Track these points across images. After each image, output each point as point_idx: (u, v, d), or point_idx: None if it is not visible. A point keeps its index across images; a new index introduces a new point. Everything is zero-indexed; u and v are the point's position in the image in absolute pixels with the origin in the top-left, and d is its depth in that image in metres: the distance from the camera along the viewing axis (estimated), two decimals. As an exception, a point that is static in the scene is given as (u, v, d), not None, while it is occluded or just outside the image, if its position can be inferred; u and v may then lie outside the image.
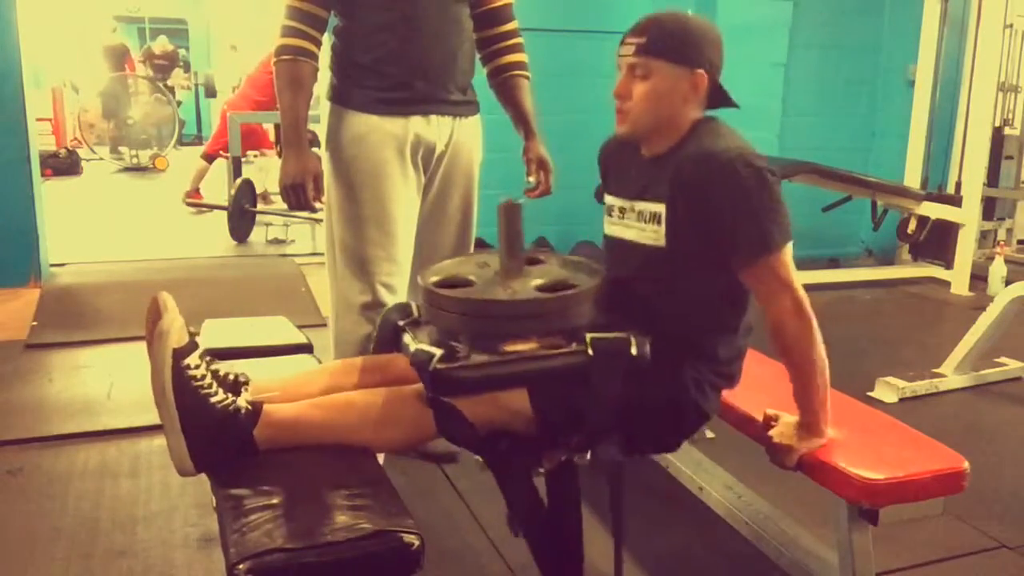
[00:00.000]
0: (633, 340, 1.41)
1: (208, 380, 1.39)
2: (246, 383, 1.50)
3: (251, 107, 6.42)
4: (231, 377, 1.49)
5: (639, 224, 1.55)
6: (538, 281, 1.51)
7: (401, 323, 1.60)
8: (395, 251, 2.09)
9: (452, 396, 1.41)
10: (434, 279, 1.55)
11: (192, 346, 1.39)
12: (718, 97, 1.54)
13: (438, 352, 1.38)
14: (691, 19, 1.53)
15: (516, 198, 1.54)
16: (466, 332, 1.44)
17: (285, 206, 2.10)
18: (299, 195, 2.01)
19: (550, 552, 1.59)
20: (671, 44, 1.48)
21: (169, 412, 1.35)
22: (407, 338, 1.53)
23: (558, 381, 1.42)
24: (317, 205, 2.05)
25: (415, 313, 1.63)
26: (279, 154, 7.79)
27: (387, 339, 1.62)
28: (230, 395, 1.41)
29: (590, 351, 1.39)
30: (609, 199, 1.66)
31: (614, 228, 1.63)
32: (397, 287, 2.11)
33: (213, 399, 1.37)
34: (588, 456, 1.52)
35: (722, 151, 1.44)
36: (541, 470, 1.52)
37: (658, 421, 1.54)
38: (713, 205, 1.44)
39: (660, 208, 1.49)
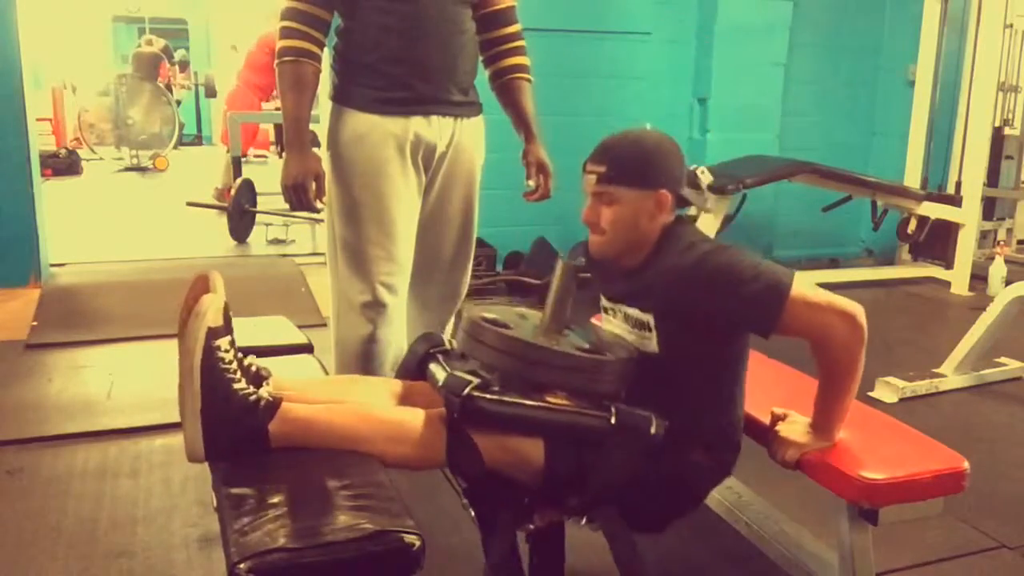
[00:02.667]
0: (654, 420, 1.45)
1: (235, 367, 1.39)
2: (267, 377, 1.50)
3: (253, 92, 6.40)
4: (254, 369, 1.48)
5: (628, 327, 1.58)
6: (579, 343, 1.56)
7: (432, 351, 1.61)
8: (395, 250, 2.09)
9: (476, 425, 1.41)
10: (483, 314, 1.57)
11: (226, 329, 1.39)
12: (681, 204, 1.59)
13: (474, 380, 1.40)
14: (647, 140, 1.57)
15: (579, 260, 1.58)
16: (504, 370, 1.46)
17: (287, 206, 2.10)
18: (301, 195, 2.01)
19: None
20: (630, 171, 1.53)
21: (192, 392, 1.34)
22: (434, 366, 1.54)
23: (577, 441, 1.44)
24: (318, 205, 2.04)
25: (446, 344, 1.65)
26: (279, 154, 7.82)
27: (412, 366, 1.64)
28: (252, 386, 1.41)
29: (613, 420, 1.42)
30: (602, 299, 1.70)
31: (608, 326, 1.67)
32: (397, 287, 2.11)
33: (236, 385, 1.37)
34: (583, 521, 1.55)
35: (692, 257, 1.48)
36: (531, 526, 1.53)
37: (655, 500, 1.56)
38: (706, 305, 1.47)
39: (648, 318, 1.53)
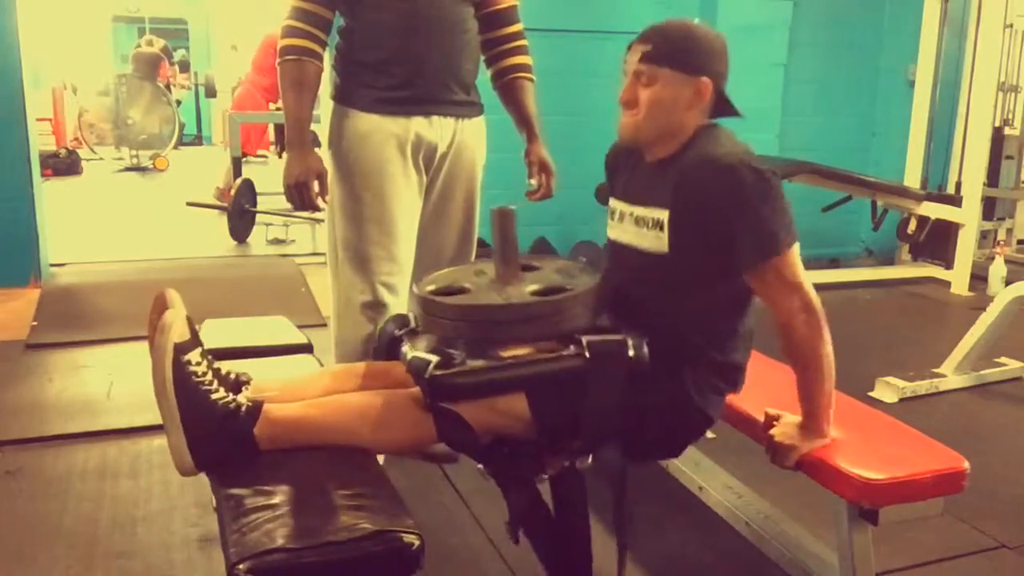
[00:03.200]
0: (630, 342, 1.41)
1: (209, 377, 1.39)
2: (247, 382, 1.51)
3: (260, 93, 6.41)
4: (232, 376, 1.49)
5: (641, 229, 1.55)
6: (533, 286, 1.52)
7: (398, 333, 1.61)
8: (396, 251, 2.09)
9: (449, 402, 1.41)
10: (430, 288, 1.56)
11: (194, 343, 1.39)
12: (722, 106, 1.56)
13: (434, 359, 1.40)
14: (697, 28, 1.54)
15: (509, 204, 1.56)
16: (461, 338, 1.45)
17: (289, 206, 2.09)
18: (303, 195, 2.00)
19: (558, 557, 1.59)
20: (676, 52, 1.50)
21: (169, 408, 1.35)
22: (405, 347, 1.54)
23: (555, 385, 1.43)
24: (321, 204, 2.04)
25: (412, 323, 1.64)
26: (279, 153, 7.83)
27: (385, 349, 1.64)
28: (231, 393, 1.41)
29: (587, 354, 1.40)
30: (613, 202, 1.67)
31: (617, 232, 1.64)
32: (398, 287, 2.11)
33: (214, 396, 1.37)
34: (590, 461, 1.52)
35: (723, 156, 1.45)
36: (545, 476, 1.52)
37: (660, 425, 1.53)
38: (716, 211, 1.44)
39: (663, 214, 1.50)
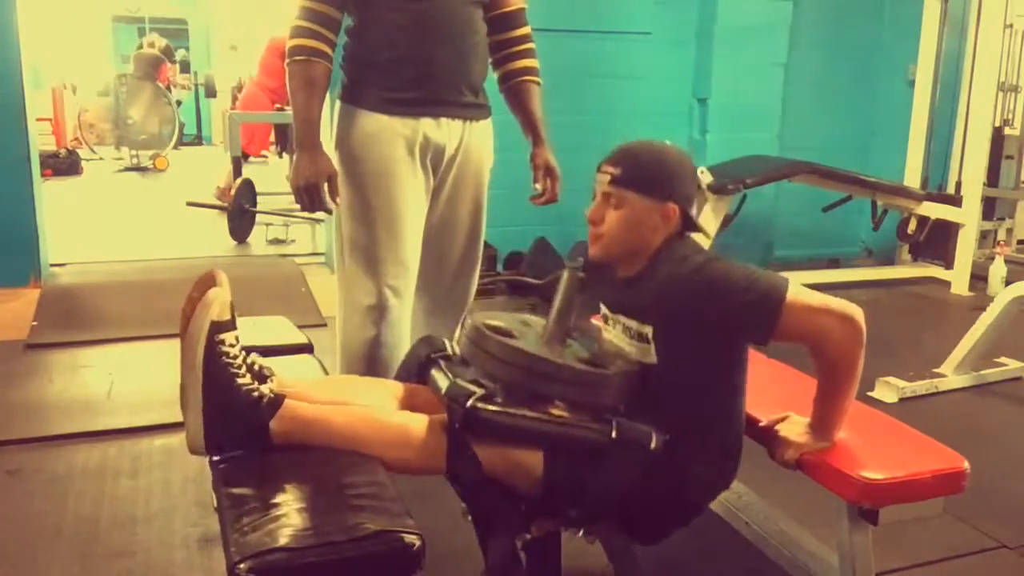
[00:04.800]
0: (654, 435, 1.45)
1: (239, 361, 1.39)
2: (271, 376, 1.50)
3: (267, 94, 6.42)
4: (257, 367, 1.49)
5: (627, 338, 1.57)
6: (581, 353, 1.56)
7: (433, 356, 1.61)
8: (403, 253, 2.08)
9: (477, 435, 1.41)
10: (487, 322, 1.56)
11: (231, 324, 1.39)
12: (688, 225, 1.58)
13: (478, 391, 1.41)
14: (667, 152, 1.57)
15: (582, 269, 1.58)
16: (506, 380, 1.46)
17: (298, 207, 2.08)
18: (313, 196, 1.98)
19: None
20: (644, 178, 1.53)
21: (195, 383, 1.35)
22: (436, 372, 1.54)
23: (576, 453, 1.44)
24: (331, 206, 2.01)
25: (447, 348, 1.64)
26: (279, 153, 7.83)
27: (412, 369, 1.64)
28: (256, 382, 1.41)
29: (614, 434, 1.42)
30: (602, 307, 1.70)
31: (607, 335, 1.66)
32: (403, 290, 2.10)
33: (239, 380, 1.38)
34: (580, 533, 1.54)
35: (689, 267, 1.49)
36: (527, 536, 1.52)
37: (655, 512, 1.56)
38: (704, 317, 1.46)
39: (647, 329, 1.52)
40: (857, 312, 1.42)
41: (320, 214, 2.14)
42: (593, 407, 1.47)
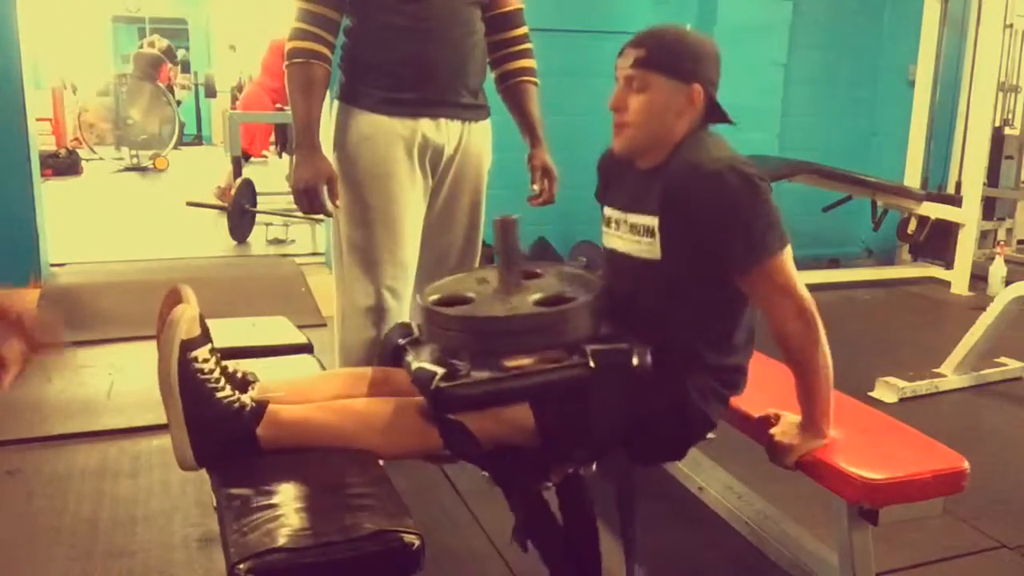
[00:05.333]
0: (634, 351, 1.42)
1: (216, 375, 1.39)
2: (254, 382, 1.50)
3: (269, 95, 6.43)
4: (239, 375, 1.49)
5: (634, 236, 1.55)
6: (537, 295, 1.52)
7: (402, 342, 1.61)
8: (401, 254, 2.08)
9: (454, 413, 1.41)
10: (433, 297, 1.56)
11: (203, 340, 1.39)
12: (714, 112, 1.54)
13: (440, 371, 1.40)
14: (690, 34, 1.53)
15: (511, 213, 1.56)
16: (465, 350, 1.45)
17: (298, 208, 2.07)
18: (312, 198, 1.97)
19: (566, 563, 1.59)
20: (669, 58, 1.49)
21: (174, 404, 1.35)
22: (409, 357, 1.54)
23: (560, 395, 1.43)
24: (330, 208, 2.00)
25: (415, 332, 1.64)
26: (279, 154, 7.82)
27: (389, 358, 1.64)
28: (237, 392, 1.41)
29: (591, 364, 1.40)
30: (606, 210, 1.67)
31: (611, 240, 1.64)
32: (401, 291, 2.10)
33: (219, 394, 1.38)
34: (594, 467, 1.53)
35: (709, 162, 1.44)
36: (550, 484, 1.52)
37: (663, 430, 1.53)
38: (703, 218, 1.44)
39: (653, 221, 1.49)
40: (813, 311, 1.43)
41: (320, 215, 2.13)
42: (564, 344, 1.44)
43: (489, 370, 1.42)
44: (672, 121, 1.50)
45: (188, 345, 1.36)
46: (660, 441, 1.56)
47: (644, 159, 1.56)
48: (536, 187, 2.22)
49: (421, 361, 1.47)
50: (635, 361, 1.41)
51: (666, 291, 1.51)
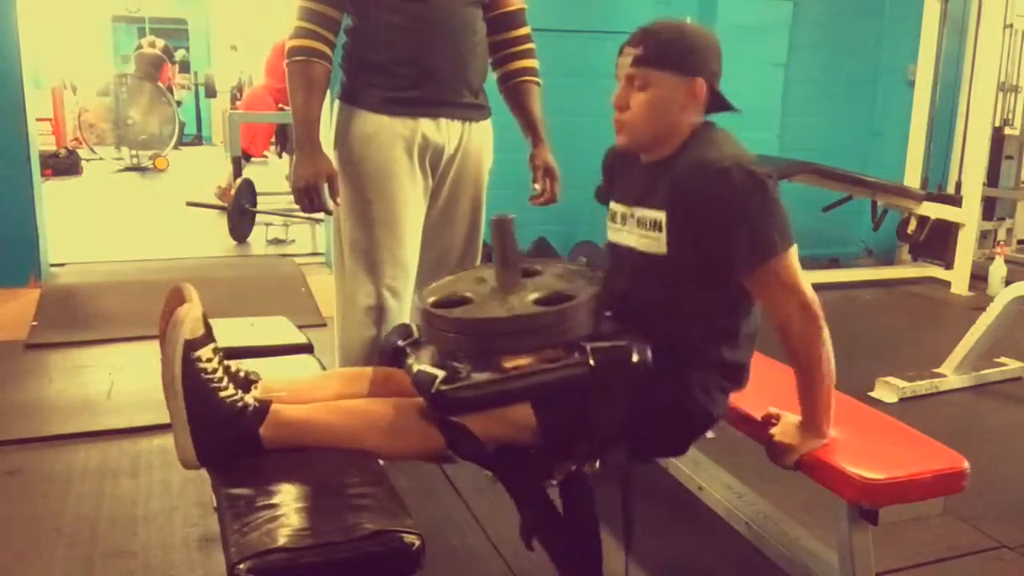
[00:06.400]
0: (634, 348, 1.42)
1: (219, 375, 1.39)
2: (256, 382, 1.51)
3: (272, 95, 6.44)
4: (242, 374, 1.49)
5: (640, 231, 1.55)
6: (535, 294, 1.52)
7: (401, 343, 1.61)
8: (402, 254, 2.08)
9: (455, 415, 1.41)
10: (431, 299, 1.55)
11: (206, 339, 1.39)
12: (717, 103, 1.54)
13: (440, 374, 1.40)
14: (688, 27, 1.53)
15: (507, 212, 1.56)
16: (464, 351, 1.45)
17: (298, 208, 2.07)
18: (312, 197, 1.97)
19: (570, 559, 1.59)
20: (668, 54, 1.49)
21: (177, 403, 1.35)
22: (410, 359, 1.54)
23: (560, 394, 1.43)
24: (331, 207, 2.00)
25: (415, 334, 1.64)
26: (279, 154, 7.83)
27: (389, 360, 1.64)
28: (240, 391, 1.41)
29: (591, 361, 1.40)
30: (612, 205, 1.67)
31: (617, 234, 1.63)
32: (402, 291, 2.09)
33: (222, 393, 1.38)
34: (597, 464, 1.53)
35: (717, 159, 1.44)
36: (553, 482, 1.53)
37: (664, 426, 1.53)
38: (710, 214, 1.44)
39: (660, 215, 1.49)
40: (817, 310, 1.43)
41: (320, 214, 2.13)
42: (563, 343, 1.44)
43: (489, 371, 1.43)
44: (676, 116, 1.51)
45: (192, 345, 1.36)
46: (661, 437, 1.56)
47: (650, 153, 1.56)
48: (538, 186, 2.22)
49: (421, 363, 1.47)
50: (635, 358, 1.41)
51: (670, 286, 1.51)
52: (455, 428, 1.41)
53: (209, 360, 1.38)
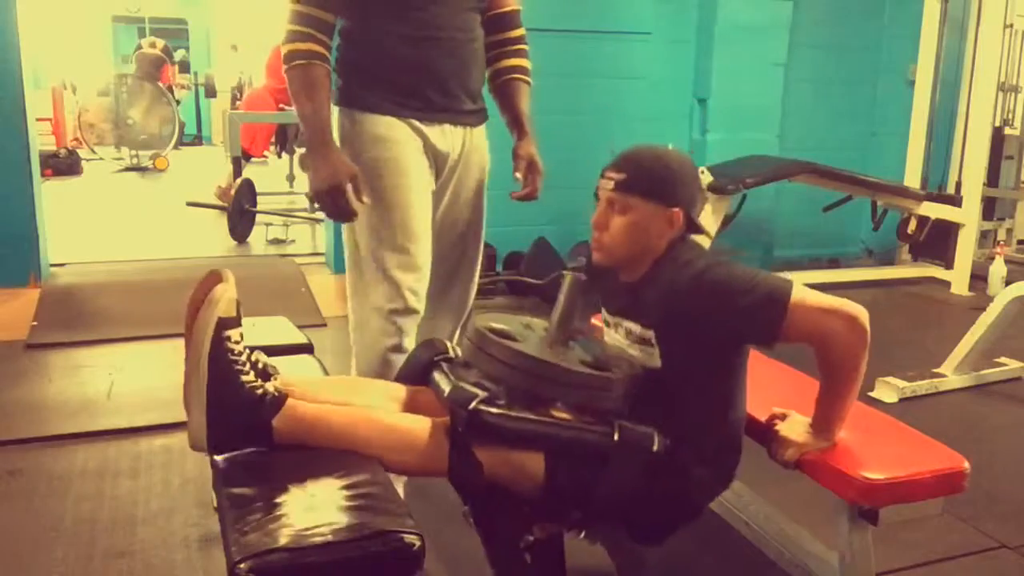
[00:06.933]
0: (656, 437, 1.45)
1: (244, 359, 1.39)
2: (274, 375, 1.50)
3: (272, 96, 6.45)
4: (262, 365, 1.48)
5: (628, 341, 1.58)
6: (584, 356, 1.55)
7: (435, 358, 1.61)
8: (420, 256, 2.03)
9: (480, 438, 1.41)
10: (490, 325, 1.55)
11: (237, 322, 1.39)
12: (691, 227, 1.58)
13: (481, 393, 1.41)
14: (670, 156, 1.57)
15: (583, 271, 1.58)
16: (510, 383, 1.46)
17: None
18: (337, 199, 1.88)
19: None
20: (649, 183, 1.53)
21: (199, 380, 1.35)
22: (438, 375, 1.54)
23: (577, 456, 1.44)
24: (358, 208, 1.91)
25: (449, 351, 1.64)
26: (279, 154, 7.83)
27: (414, 372, 1.63)
28: (260, 379, 1.41)
29: (616, 437, 1.42)
30: (603, 312, 1.70)
31: (610, 337, 1.66)
32: (421, 294, 2.05)
33: (244, 377, 1.38)
34: (582, 535, 1.55)
35: (695, 274, 1.48)
36: (531, 537, 1.52)
37: (656, 514, 1.55)
38: (710, 321, 1.46)
39: (648, 333, 1.52)
40: (862, 313, 1.42)
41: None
42: (596, 410, 1.47)
43: (524, 410, 1.43)
44: (653, 241, 1.55)
45: (225, 323, 1.36)
46: (650, 524, 1.58)
47: (624, 273, 1.60)
48: (519, 175, 2.16)
49: (461, 381, 1.47)
50: (655, 447, 1.44)
51: (666, 397, 1.53)
52: (465, 451, 1.41)
53: (237, 343, 1.38)
